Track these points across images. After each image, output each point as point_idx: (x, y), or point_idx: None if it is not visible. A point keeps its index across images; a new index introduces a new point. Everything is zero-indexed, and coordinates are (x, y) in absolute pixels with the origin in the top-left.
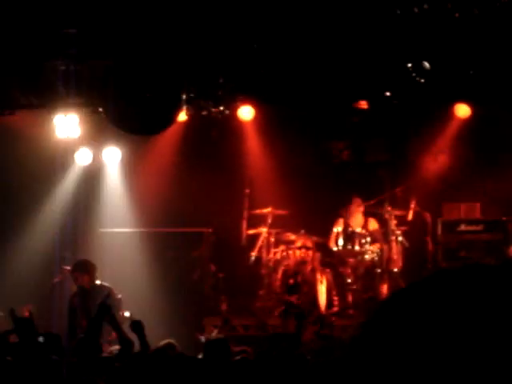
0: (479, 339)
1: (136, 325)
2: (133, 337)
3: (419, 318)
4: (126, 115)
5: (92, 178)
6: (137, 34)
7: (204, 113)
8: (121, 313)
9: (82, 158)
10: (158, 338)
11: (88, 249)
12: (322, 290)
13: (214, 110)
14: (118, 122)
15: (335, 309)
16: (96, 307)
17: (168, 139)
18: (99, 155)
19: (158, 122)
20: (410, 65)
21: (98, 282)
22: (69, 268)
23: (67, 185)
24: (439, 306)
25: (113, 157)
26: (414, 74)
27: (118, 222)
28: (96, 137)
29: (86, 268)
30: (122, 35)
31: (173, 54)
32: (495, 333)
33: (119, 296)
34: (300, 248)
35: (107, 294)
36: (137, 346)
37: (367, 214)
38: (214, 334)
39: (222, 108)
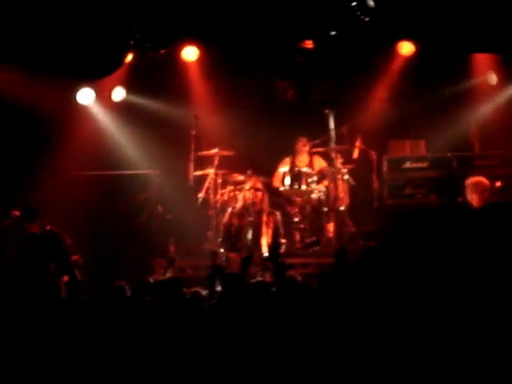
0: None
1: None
2: None
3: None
4: (76, 60)
5: (40, 122)
6: None
7: (150, 54)
8: (74, 258)
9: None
10: None
11: (40, 193)
12: (267, 233)
13: (159, 51)
14: (67, 68)
15: (281, 251)
16: (48, 251)
17: (114, 81)
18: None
19: (107, 64)
20: (354, 3)
21: (48, 227)
22: (17, 212)
23: (13, 132)
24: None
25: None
26: (358, 13)
27: (64, 167)
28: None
29: (34, 216)
30: None
31: None
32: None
33: (69, 240)
34: (249, 189)
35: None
36: None
37: (313, 153)
38: (168, 274)
39: (167, 49)
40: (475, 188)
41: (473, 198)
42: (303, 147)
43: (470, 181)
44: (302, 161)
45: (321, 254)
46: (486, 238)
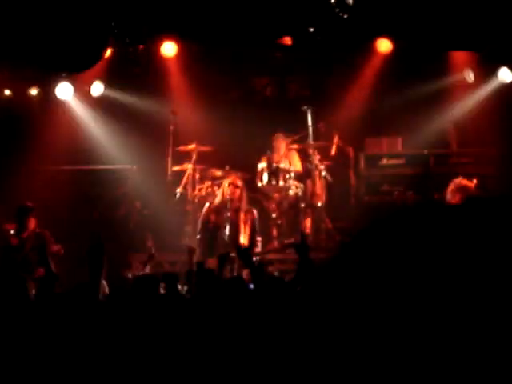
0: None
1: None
2: None
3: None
4: (54, 53)
5: (18, 116)
6: None
7: (129, 49)
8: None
9: (7, 96)
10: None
11: (15, 189)
12: (245, 231)
13: (138, 46)
14: (47, 61)
15: (257, 249)
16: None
17: (92, 76)
18: (26, 93)
19: (86, 58)
20: (333, 0)
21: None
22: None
23: None
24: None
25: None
26: (337, 10)
27: (42, 161)
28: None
29: (32, 212)
30: None
31: None
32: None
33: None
34: (228, 185)
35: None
36: None
37: (291, 150)
38: (147, 270)
39: (146, 44)
40: (461, 191)
41: (455, 199)
42: (281, 143)
43: (457, 183)
44: (280, 157)
45: None
46: (467, 233)
